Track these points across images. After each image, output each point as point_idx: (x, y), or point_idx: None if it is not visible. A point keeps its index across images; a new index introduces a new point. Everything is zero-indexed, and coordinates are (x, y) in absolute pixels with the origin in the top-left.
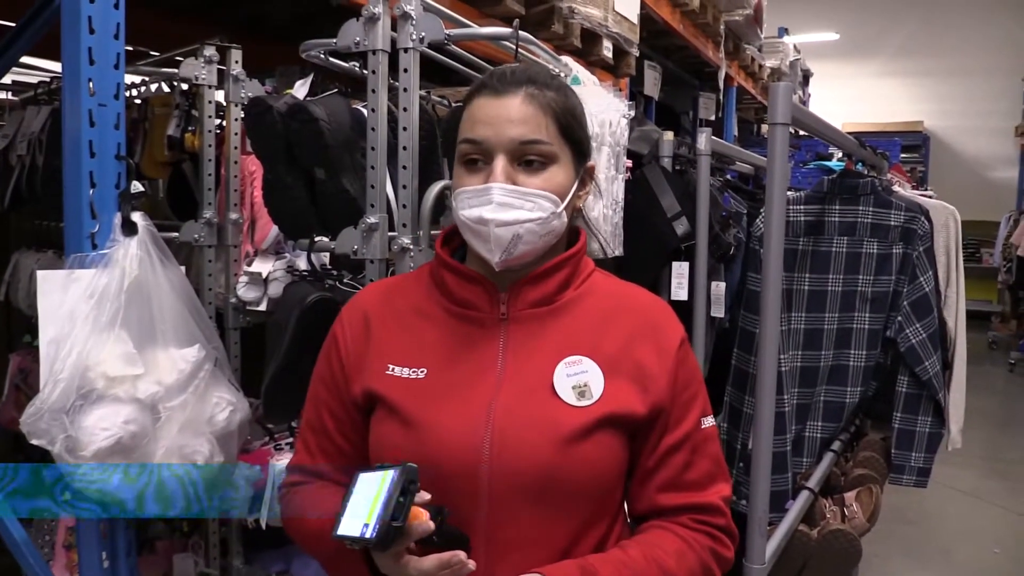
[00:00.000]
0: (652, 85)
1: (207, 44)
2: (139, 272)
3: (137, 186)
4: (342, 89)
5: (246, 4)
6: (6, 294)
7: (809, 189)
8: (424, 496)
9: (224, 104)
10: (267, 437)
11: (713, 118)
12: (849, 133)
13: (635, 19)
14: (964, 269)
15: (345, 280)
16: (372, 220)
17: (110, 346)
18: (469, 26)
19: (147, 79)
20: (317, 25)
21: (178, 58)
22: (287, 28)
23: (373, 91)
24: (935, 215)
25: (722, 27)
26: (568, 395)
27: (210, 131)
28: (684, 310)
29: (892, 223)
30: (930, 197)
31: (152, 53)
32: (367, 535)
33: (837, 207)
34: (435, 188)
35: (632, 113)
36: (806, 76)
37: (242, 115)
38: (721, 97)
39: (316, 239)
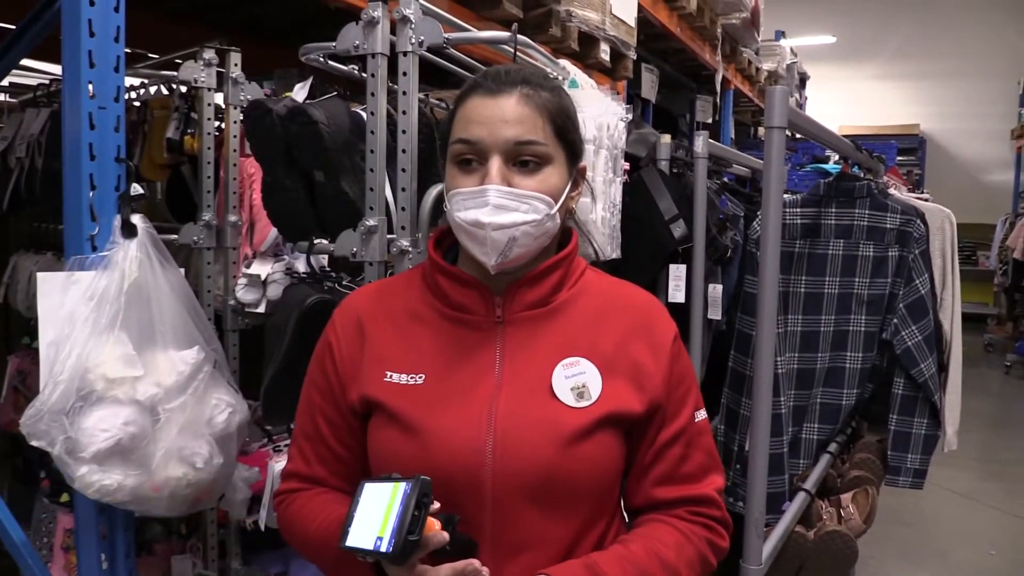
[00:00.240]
0: (649, 88)
1: (206, 47)
2: (139, 274)
3: (137, 188)
4: (341, 92)
5: (244, 7)
6: (4, 296)
7: (805, 192)
8: (434, 505)
9: (223, 107)
10: (266, 439)
11: (710, 121)
12: (845, 136)
13: (632, 22)
14: (960, 271)
15: (344, 282)
16: (371, 222)
17: (110, 348)
18: (468, 30)
19: (146, 82)
20: (314, 28)
21: (177, 61)
22: (284, 31)
23: (372, 94)
24: (931, 218)
25: (719, 30)
26: (567, 396)
27: (209, 133)
28: (681, 312)
29: (888, 226)
30: (926, 200)
31: (151, 56)
32: (382, 548)
33: (833, 210)
34: (434, 191)
35: (629, 116)
36: (803, 79)
37: (241, 118)
38: (718, 100)
39: (315, 241)
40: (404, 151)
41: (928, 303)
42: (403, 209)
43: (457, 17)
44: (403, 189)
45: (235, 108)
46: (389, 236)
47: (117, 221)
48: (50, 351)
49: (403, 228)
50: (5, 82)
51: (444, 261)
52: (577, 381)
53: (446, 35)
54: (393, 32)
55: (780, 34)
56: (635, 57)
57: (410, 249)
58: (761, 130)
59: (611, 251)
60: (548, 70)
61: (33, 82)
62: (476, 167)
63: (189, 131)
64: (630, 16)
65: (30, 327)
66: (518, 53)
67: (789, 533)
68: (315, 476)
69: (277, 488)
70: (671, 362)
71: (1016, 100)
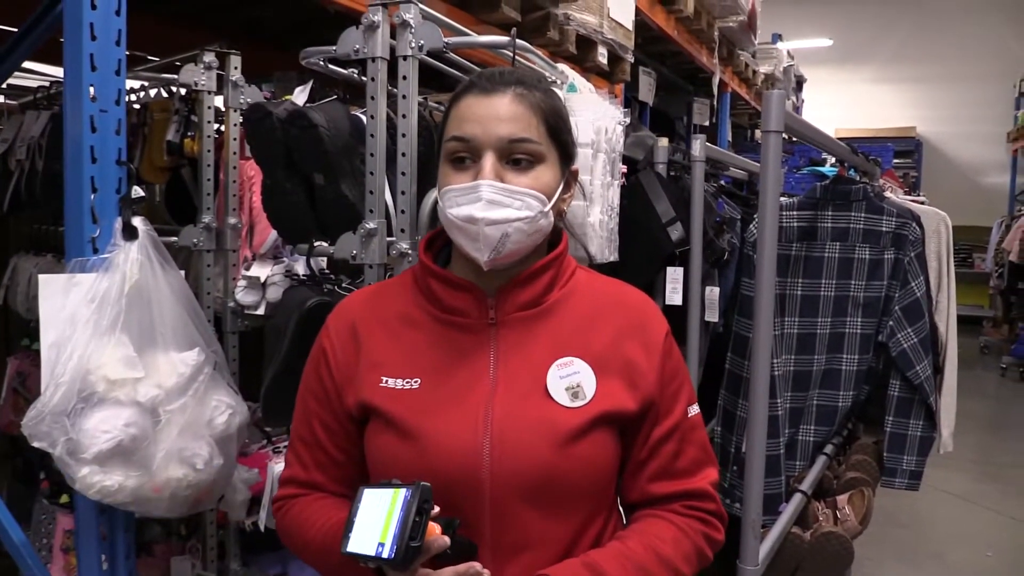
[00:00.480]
0: (647, 91)
1: (206, 50)
2: (139, 276)
3: (137, 191)
4: (341, 95)
5: (244, 10)
6: (4, 298)
7: (802, 195)
8: (435, 510)
9: (223, 109)
10: (265, 440)
11: (707, 124)
12: (842, 138)
13: (630, 25)
14: (956, 274)
15: (343, 285)
16: (371, 225)
17: (111, 350)
18: (468, 34)
19: (146, 84)
20: (314, 31)
21: (177, 64)
22: (284, 34)
23: (372, 98)
24: (926, 221)
25: (716, 33)
26: (562, 397)
27: (209, 136)
28: (678, 315)
29: (884, 229)
30: (922, 203)
31: (151, 59)
32: (384, 554)
33: (830, 213)
34: (433, 194)
35: (627, 120)
36: (799, 82)
37: (241, 120)
38: (715, 103)
39: (315, 244)
40: (404, 154)
41: (924, 306)
42: (403, 212)
43: (455, 21)
44: (403, 192)
45: (235, 111)
46: (389, 239)
47: (118, 223)
48: (51, 353)
49: (403, 231)
50: (5, 84)
51: (435, 264)
52: (571, 381)
53: (446, 39)
54: (393, 36)
55: (777, 37)
56: (632, 60)
57: (410, 252)
58: (758, 133)
59: (609, 254)
60: (546, 74)
61: (32, 84)
62: (469, 165)
63: (189, 134)
64: (628, 19)
65: (30, 329)
66: (517, 57)
67: (785, 534)
68: (313, 481)
69: (275, 494)
70: (663, 359)
71: (1012, 103)
